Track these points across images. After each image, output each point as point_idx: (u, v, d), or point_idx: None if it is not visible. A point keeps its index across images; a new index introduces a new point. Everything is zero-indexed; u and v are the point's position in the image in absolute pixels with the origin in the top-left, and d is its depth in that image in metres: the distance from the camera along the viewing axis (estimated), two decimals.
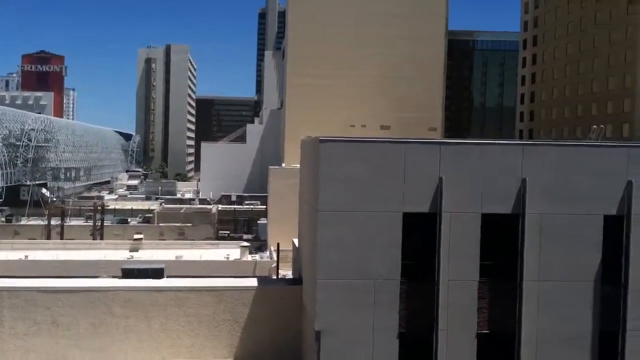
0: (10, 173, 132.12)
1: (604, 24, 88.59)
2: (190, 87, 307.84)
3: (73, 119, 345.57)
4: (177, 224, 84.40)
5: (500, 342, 25.13)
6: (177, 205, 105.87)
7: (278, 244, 49.43)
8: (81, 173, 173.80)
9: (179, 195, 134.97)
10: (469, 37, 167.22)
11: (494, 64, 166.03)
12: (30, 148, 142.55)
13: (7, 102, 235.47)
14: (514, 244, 25.08)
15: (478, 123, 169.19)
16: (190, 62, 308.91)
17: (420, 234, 24.97)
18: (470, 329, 24.98)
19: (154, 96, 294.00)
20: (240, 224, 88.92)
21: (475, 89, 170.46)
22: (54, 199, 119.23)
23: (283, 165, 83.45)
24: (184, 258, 54.25)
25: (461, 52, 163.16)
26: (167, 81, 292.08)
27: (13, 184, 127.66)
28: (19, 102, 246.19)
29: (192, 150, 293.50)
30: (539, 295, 24.97)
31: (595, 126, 62.60)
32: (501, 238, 25.26)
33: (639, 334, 25.39)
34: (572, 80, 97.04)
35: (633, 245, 25.27)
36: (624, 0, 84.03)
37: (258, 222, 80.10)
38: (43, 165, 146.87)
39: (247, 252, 59.36)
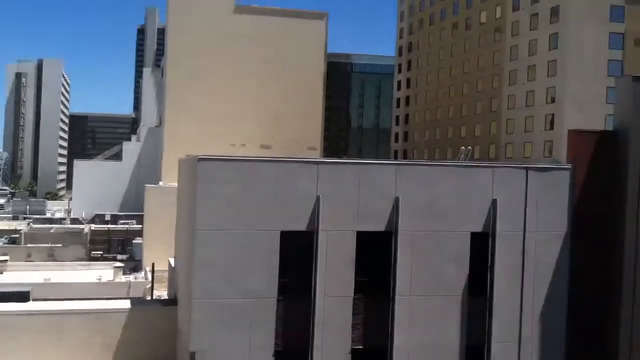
0: None
1: (472, 51, 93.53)
2: (63, 102, 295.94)
3: None
4: (46, 245, 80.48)
5: (374, 358, 25.68)
6: (47, 225, 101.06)
7: (153, 264, 48.25)
8: None
9: (48, 215, 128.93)
10: (347, 59, 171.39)
11: (371, 87, 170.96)
12: None
13: None
14: (387, 260, 25.79)
15: (356, 143, 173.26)
16: (64, 77, 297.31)
17: (298, 252, 25.19)
18: (344, 345, 25.39)
19: (24, 112, 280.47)
20: (114, 244, 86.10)
21: (353, 110, 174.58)
22: None
23: (160, 183, 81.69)
24: (53, 280, 51.73)
25: (340, 74, 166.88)
26: (38, 97, 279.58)
27: None
28: None
29: (64, 168, 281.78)
30: (410, 310, 25.78)
31: (463, 147, 65.75)
32: (375, 255, 25.91)
33: (503, 347, 26.71)
34: (443, 103, 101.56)
35: (497, 261, 26.63)
36: (491, 28, 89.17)
37: (133, 241, 77.89)
38: None
39: (121, 273, 57.48)
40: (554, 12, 75.25)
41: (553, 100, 75.11)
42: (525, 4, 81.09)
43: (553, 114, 74.89)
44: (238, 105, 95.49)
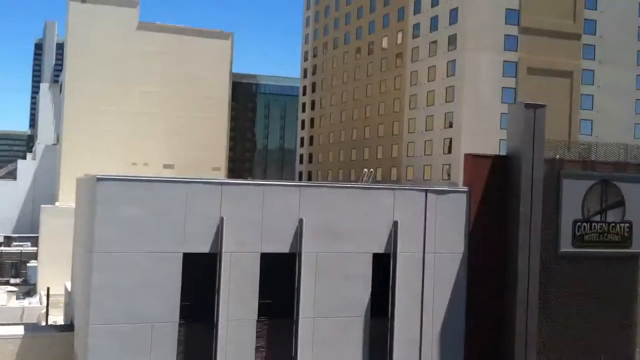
0: None
1: (375, 75, 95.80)
2: None
3: None
4: None
5: None
6: None
7: (48, 289, 46.35)
8: None
9: None
10: (253, 80, 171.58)
11: (277, 108, 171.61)
12: None
13: None
14: (291, 282, 25.86)
15: (261, 164, 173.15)
16: None
17: (201, 275, 24.86)
18: None
19: None
20: (7, 268, 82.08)
21: (259, 131, 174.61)
22: None
23: (57, 204, 78.76)
24: None
25: (246, 95, 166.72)
26: None
27: None
28: None
29: None
30: (314, 331, 25.91)
31: (366, 169, 67.03)
32: (280, 277, 25.93)
33: None
34: (347, 126, 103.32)
35: (398, 281, 27.21)
36: (392, 54, 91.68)
37: (27, 264, 74.55)
38: None
39: (14, 297, 54.86)
40: (452, 39, 78.22)
41: (451, 125, 77.80)
42: (425, 31, 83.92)
43: (451, 138, 77.54)
44: (140, 124, 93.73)
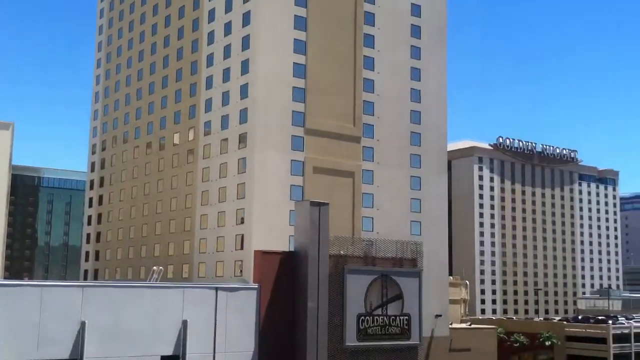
0: None
1: (166, 170, 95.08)
2: None
3: None
4: None
5: None
6: None
7: None
8: None
9: None
10: (35, 173, 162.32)
11: (61, 202, 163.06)
12: None
13: None
14: None
15: (42, 262, 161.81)
16: None
17: None
18: None
19: None
20: None
21: (40, 227, 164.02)
22: None
23: None
24: None
25: (27, 189, 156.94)
26: None
27: None
28: None
29: None
30: None
31: (156, 267, 65.23)
32: None
33: None
34: (137, 222, 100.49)
35: None
36: (184, 150, 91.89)
37: None
38: None
39: None
40: (242, 138, 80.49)
41: (242, 222, 78.87)
42: (216, 129, 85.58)
43: (243, 235, 78.41)
44: None
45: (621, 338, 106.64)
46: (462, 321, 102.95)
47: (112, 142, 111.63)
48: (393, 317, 41.47)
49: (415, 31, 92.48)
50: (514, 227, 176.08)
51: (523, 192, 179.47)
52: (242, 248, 78.13)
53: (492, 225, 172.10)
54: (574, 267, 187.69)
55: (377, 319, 40.14)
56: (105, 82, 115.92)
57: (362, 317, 38.91)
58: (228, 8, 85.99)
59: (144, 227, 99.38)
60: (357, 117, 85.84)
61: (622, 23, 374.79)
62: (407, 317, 42.49)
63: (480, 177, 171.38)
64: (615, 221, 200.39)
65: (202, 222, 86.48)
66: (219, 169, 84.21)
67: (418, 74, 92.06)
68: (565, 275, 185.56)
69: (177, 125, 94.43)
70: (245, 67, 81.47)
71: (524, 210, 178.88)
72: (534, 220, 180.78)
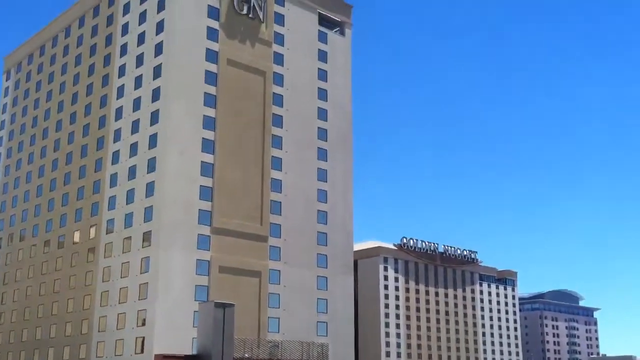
0: None
1: (64, 269, 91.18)
2: None
3: None
4: None
5: None
6: None
7: None
8: None
9: None
10: None
11: None
12: None
13: None
14: None
15: None
16: None
17: None
18: None
19: None
20: None
21: None
22: None
23: None
24: None
25: None
26: None
27: None
28: None
29: None
30: None
31: None
32: None
33: None
34: (30, 324, 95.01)
35: None
36: (84, 248, 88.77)
37: None
38: None
39: None
40: (146, 236, 78.76)
41: (144, 323, 76.04)
42: (119, 227, 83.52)
43: (144, 337, 75.41)
44: None
45: None
46: None
47: (9, 240, 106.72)
48: None
49: (322, 134, 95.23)
50: (418, 327, 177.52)
51: (427, 292, 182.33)
52: (142, 352, 74.93)
53: (398, 325, 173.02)
54: None
55: None
56: (4, 178, 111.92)
57: None
58: (136, 106, 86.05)
59: (37, 329, 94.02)
60: (264, 217, 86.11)
61: (512, 130, 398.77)
62: None
63: (386, 277, 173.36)
64: (515, 321, 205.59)
65: (101, 324, 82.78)
66: (121, 268, 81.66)
67: (324, 175, 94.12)
68: None
69: (78, 223, 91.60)
70: (152, 164, 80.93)
71: (427, 310, 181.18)
72: (437, 321, 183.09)
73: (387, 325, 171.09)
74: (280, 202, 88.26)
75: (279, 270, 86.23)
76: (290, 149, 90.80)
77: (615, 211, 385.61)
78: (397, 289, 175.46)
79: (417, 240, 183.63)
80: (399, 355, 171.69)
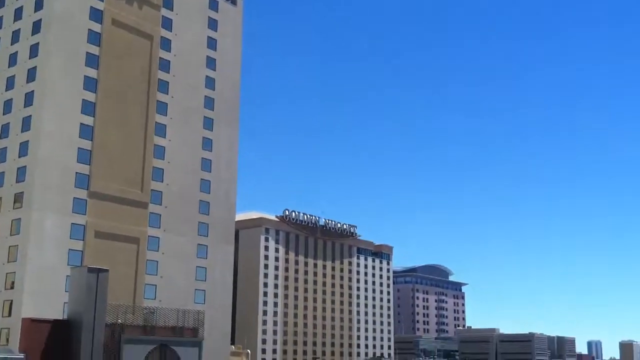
0: None
1: None
2: None
3: None
4: None
5: None
6: None
7: None
8: None
9: None
10: None
11: None
12: None
13: None
14: None
15: None
16: None
17: None
18: None
19: None
20: None
21: None
22: None
23: None
24: None
25: None
26: None
27: None
28: None
29: None
30: None
31: None
32: None
33: None
34: None
35: None
36: None
37: None
38: None
39: None
40: (18, 197, 75.72)
41: (12, 286, 73.46)
42: None
43: (12, 301, 72.85)
44: None
45: None
46: None
47: None
48: None
49: (209, 103, 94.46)
50: (296, 297, 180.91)
51: (306, 264, 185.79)
52: (9, 315, 72.45)
53: (276, 295, 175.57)
54: (350, 337, 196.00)
55: None
56: None
57: None
58: (12, 62, 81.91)
59: None
60: (145, 183, 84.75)
61: (399, 105, 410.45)
62: None
63: (267, 248, 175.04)
64: (388, 293, 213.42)
65: None
66: None
67: (210, 144, 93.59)
68: (342, 344, 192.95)
69: None
70: (26, 123, 77.57)
71: (306, 281, 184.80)
72: (315, 291, 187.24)
73: (265, 294, 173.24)
74: (163, 169, 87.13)
75: (159, 238, 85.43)
76: (175, 116, 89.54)
77: (487, 192, 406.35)
78: (277, 259, 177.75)
79: (299, 212, 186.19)
80: (275, 324, 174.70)
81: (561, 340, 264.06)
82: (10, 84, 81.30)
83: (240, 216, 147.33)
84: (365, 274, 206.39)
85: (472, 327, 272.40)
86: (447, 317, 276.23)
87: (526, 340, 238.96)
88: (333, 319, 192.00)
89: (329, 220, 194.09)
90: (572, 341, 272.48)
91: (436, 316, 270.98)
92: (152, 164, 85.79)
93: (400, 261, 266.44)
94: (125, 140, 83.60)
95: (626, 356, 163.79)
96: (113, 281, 62.13)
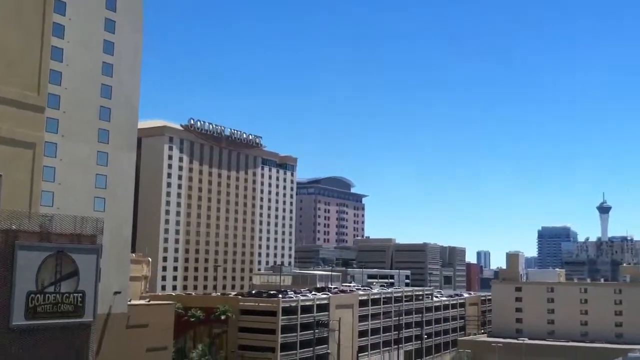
0: None
1: None
2: None
3: None
4: None
5: None
6: None
7: None
8: None
9: None
10: None
11: None
12: None
13: None
14: None
15: None
16: None
17: None
18: None
19: None
20: None
21: None
22: None
23: None
24: None
25: None
26: None
27: None
28: None
29: None
30: None
31: None
32: None
33: None
34: None
35: None
36: None
37: None
38: None
39: None
40: None
41: None
42: None
43: None
44: None
45: (289, 311, 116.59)
46: (142, 298, 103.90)
47: None
48: (66, 295, 40.94)
49: (110, 3, 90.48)
50: (199, 207, 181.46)
51: (210, 174, 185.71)
52: None
53: (179, 204, 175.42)
54: (252, 246, 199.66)
55: (48, 296, 39.28)
56: None
57: (32, 295, 37.89)
58: None
59: None
60: (41, 86, 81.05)
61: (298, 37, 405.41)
62: (81, 294, 42.25)
63: (170, 157, 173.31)
64: (291, 204, 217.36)
65: None
66: None
67: (111, 48, 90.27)
68: (244, 253, 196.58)
69: None
70: None
71: (209, 191, 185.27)
72: (218, 201, 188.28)
73: (168, 203, 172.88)
74: (61, 73, 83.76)
75: (56, 144, 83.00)
76: (74, 17, 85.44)
77: (387, 107, 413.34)
78: (180, 169, 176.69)
79: (204, 122, 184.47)
80: (177, 232, 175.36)
81: (452, 250, 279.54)
82: None
83: (143, 124, 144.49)
84: (269, 184, 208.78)
85: (370, 237, 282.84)
86: (347, 227, 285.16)
87: (420, 249, 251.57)
88: (236, 228, 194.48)
89: (234, 130, 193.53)
90: (462, 251, 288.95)
91: (337, 227, 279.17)
92: (49, 66, 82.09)
93: (304, 173, 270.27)
94: (21, 40, 79.19)
95: (512, 266, 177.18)
96: (7, 186, 60.69)
